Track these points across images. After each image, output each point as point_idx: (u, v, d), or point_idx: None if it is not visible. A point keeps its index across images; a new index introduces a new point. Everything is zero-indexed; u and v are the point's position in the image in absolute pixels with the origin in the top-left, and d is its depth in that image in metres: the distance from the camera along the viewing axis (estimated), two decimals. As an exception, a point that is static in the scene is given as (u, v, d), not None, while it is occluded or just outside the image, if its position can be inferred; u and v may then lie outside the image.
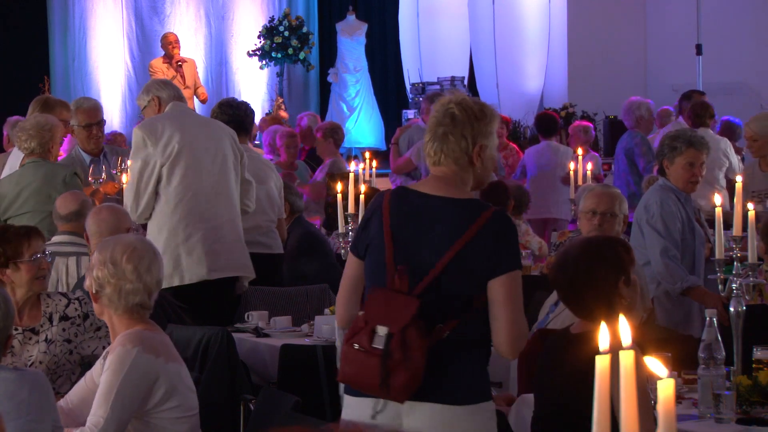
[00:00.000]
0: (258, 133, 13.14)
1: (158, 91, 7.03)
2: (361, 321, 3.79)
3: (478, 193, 7.71)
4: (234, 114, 7.72)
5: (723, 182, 9.97)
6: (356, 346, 3.75)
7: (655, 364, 1.94)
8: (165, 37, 14.79)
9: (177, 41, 14.62)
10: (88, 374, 4.36)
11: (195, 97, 14.36)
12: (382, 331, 3.72)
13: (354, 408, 3.87)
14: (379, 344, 3.71)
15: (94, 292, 4.20)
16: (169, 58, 14.39)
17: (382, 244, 3.86)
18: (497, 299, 3.76)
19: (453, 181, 3.91)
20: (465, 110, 3.91)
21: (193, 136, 6.86)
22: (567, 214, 11.64)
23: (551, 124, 12.22)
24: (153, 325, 4.26)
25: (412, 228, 3.86)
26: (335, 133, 10.91)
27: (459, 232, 3.78)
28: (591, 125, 12.94)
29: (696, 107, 10.61)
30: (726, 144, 10.41)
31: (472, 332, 3.78)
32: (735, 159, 10.40)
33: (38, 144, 7.24)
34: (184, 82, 14.18)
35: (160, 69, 14.25)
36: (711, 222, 6.41)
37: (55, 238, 6.51)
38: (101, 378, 4.13)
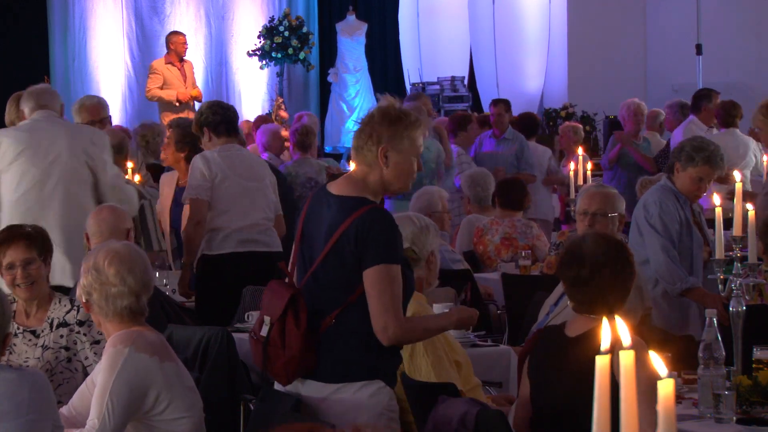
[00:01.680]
0: (255, 133, 13.09)
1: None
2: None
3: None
4: (225, 115, 7.72)
5: (748, 183, 9.76)
6: (253, 335, 4.27)
7: (656, 360, 1.94)
8: (176, 37, 14.26)
9: (186, 42, 14.33)
10: (89, 379, 4.39)
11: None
12: (267, 320, 4.20)
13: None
14: (264, 332, 4.19)
15: (84, 300, 4.24)
16: (177, 56, 14.10)
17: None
18: (366, 290, 4.09)
19: (357, 180, 4.18)
20: (383, 112, 4.16)
21: (31, 145, 6.95)
22: (545, 214, 11.63)
23: (532, 124, 12.22)
24: (147, 326, 4.26)
25: (312, 225, 4.20)
26: (293, 136, 10.90)
27: (336, 227, 4.09)
28: (580, 126, 12.94)
29: (727, 106, 10.54)
30: (754, 144, 10.34)
31: (355, 319, 4.11)
32: (758, 157, 10.32)
33: None
34: (185, 82, 14.05)
35: (161, 70, 13.93)
36: (711, 222, 6.41)
37: None
38: (97, 380, 4.15)
